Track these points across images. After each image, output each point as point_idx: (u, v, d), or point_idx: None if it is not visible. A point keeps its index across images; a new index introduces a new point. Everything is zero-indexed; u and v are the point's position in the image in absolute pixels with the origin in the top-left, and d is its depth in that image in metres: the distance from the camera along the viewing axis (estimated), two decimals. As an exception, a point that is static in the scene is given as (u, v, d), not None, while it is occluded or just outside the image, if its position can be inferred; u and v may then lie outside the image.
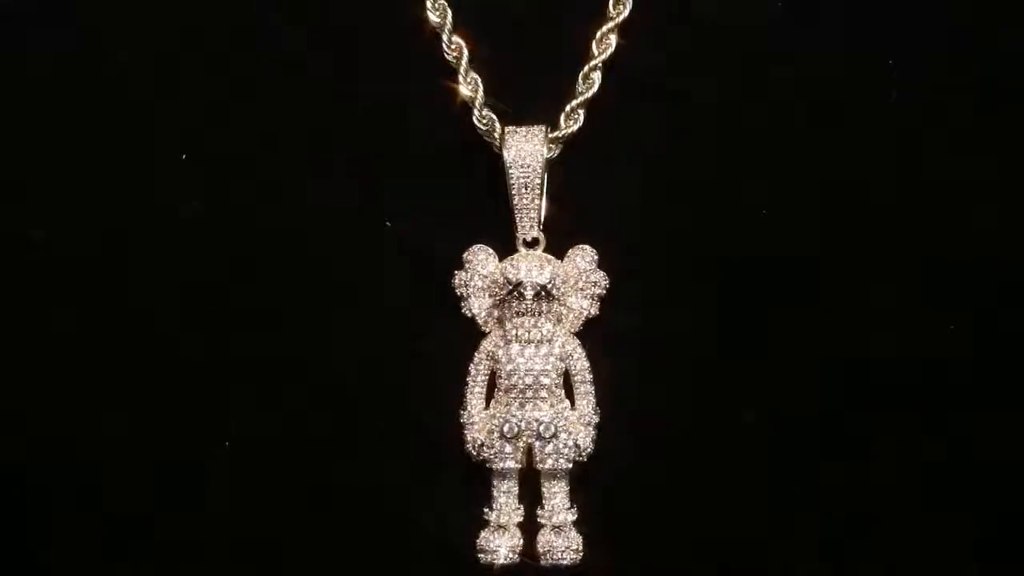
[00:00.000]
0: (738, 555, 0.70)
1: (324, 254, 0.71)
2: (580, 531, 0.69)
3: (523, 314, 0.67)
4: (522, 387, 0.67)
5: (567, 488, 0.69)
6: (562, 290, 0.68)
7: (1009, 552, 0.70)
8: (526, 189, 0.68)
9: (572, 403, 0.69)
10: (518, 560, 0.68)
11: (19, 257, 0.71)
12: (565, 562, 0.68)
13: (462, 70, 0.70)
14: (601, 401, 0.68)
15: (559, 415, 0.68)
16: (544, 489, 0.69)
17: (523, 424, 0.67)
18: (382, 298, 0.70)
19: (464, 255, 0.68)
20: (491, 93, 0.70)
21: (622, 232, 0.69)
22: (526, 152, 0.68)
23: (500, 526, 0.68)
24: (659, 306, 0.70)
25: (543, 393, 0.67)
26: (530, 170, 0.68)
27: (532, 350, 0.67)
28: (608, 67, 0.70)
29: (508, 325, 0.68)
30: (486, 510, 0.69)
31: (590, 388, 0.68)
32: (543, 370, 0.67)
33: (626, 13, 0.69)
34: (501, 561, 0.68)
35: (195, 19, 0.72)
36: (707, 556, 0.70)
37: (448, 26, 0.70)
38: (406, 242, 0.70)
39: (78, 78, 0.71)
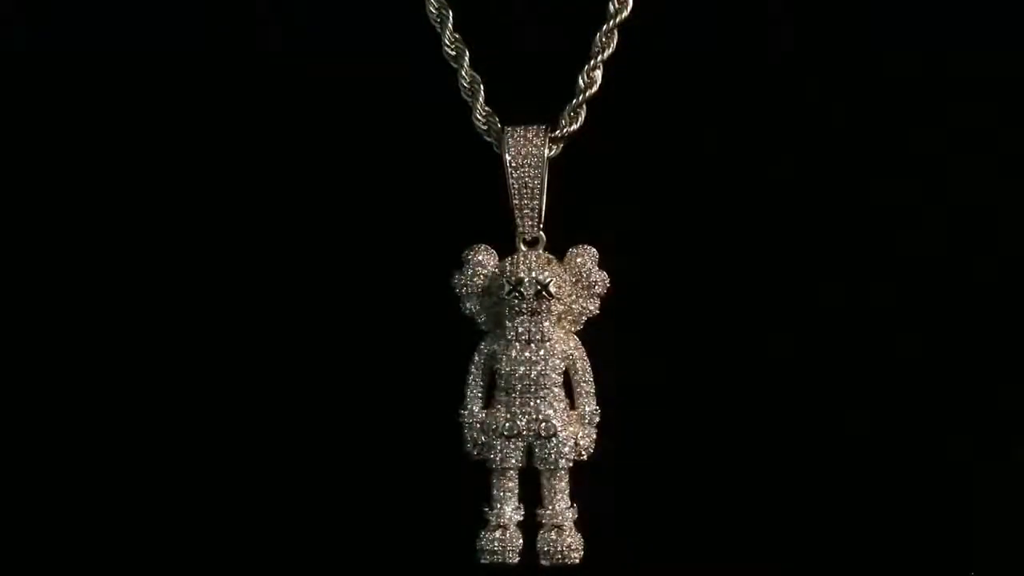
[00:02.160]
0: (739, 554, 0.70)
1: (324, 254, 0.70)
2: (580, 531, 0.69)
3: (523, 313, 0.67)
4: (522, 386, 0.67)
5: (567, 487, 0.69)
6: (563, 289, 0.67)
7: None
8: (526, 189, 0.68)
9: (572, 402, 0.69)
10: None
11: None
12: (566, 562, 0.68)
13: (463, 70, 0.69)
14: (601, 401, 0.68)
15: (559, 414, 0.68)
16: (544, 488, 0.69)
17: (523, 423, 0.67)
18: (382, 298, 0.70)
19: (464, 255, 0.68)
20: (492, 92, 0.69)
21: (622, 232, 0.69)
22: (526, 152, 0.68)
23: (500, 525, 0.69)
24: (659, 306, 0.70)
25: (543, 392, 0.67)
26: (530, 170, 0.68)
27: (532, 349, 0.67)
28: (609, 66, 0.69)
29: (508, 325, 0.67)
30: (486, 510, 0.69)
31: (590, 387, 0.68)
32: (543, 370, 0.67)
33: (626, 12, 0.69)
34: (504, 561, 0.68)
35: (194, 19, 0.71)
36: (708, 555, 0.70)
37: (448, 25, 0.70)
38: (406, 242, 0.70)
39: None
